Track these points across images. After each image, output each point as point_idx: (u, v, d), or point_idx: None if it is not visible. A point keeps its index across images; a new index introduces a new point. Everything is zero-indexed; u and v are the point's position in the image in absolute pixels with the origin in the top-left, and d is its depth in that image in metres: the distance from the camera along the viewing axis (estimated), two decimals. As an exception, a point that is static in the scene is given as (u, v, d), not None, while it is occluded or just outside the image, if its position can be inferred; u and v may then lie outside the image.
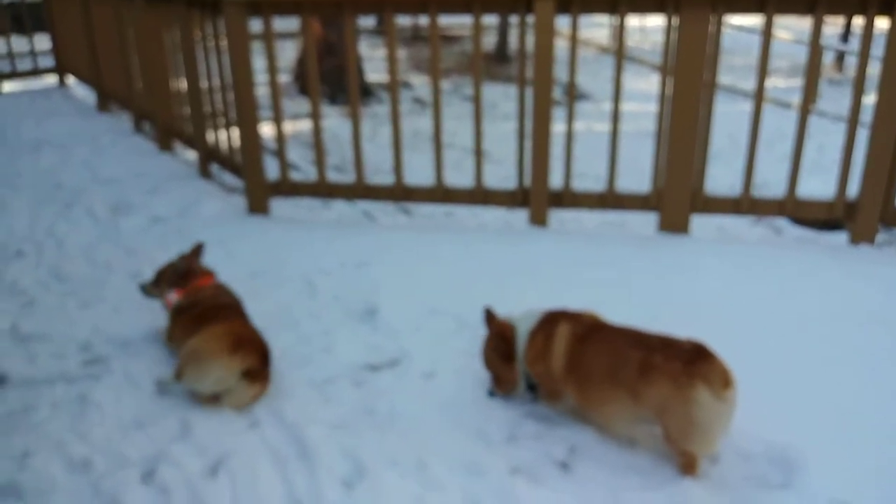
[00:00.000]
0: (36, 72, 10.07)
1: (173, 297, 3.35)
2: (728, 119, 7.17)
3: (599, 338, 2.70)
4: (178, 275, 3.43)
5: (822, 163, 7.59)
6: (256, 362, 2.92)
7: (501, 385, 2.94)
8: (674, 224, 4.46)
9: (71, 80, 9.88)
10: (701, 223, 4.56)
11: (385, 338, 3.44)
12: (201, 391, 2.90)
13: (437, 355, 3.27)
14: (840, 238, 4.53)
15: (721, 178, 6.09)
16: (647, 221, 4.70)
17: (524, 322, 2.87)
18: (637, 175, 5.14)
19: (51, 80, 10.12)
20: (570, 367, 2.70)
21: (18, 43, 10.08)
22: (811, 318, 3.47)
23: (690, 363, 2.42)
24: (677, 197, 4.41)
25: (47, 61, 10.06)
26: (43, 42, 10.16)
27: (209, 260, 4.24)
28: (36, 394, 3.05)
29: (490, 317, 2.95)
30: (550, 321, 2.80)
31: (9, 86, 9.86)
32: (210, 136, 5.79)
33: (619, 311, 2.92)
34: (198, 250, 3.59)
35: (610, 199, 4.59)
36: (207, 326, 3.04)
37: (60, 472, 2.61)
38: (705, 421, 2.41)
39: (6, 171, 6.11)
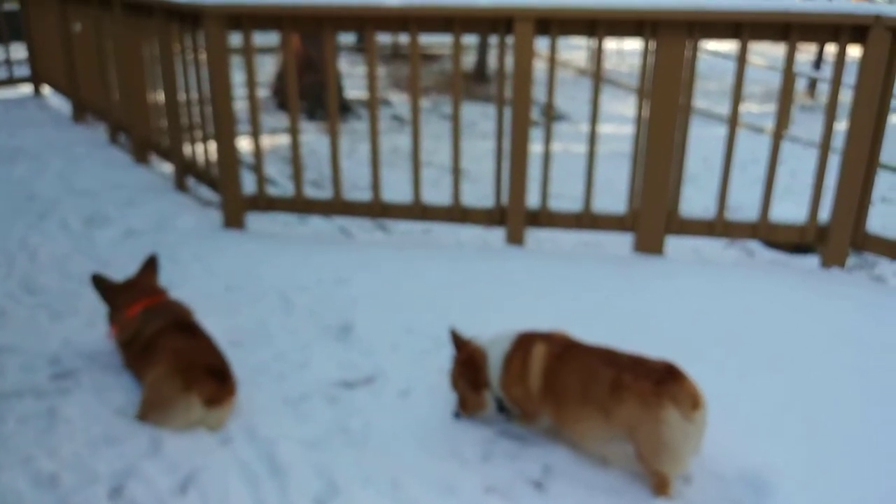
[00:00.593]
0: (11, 81, 9.96)
1: (110, 334, 3.25)
2: (703, 143, 7.25)
3: (573, 356, 2.71)
4: (109, 311, 3.30)
5: (794, 187, 7.70)
6: (213, 387, 2.85)
7: (467, 407, 2.93)
8: (649, 245, 4.50)
9: (47, 90, 9.78)
10: (675, 245, 4.61)
11: (361, 355, 3.43)
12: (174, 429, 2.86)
13: (412, 373, 3.26)
14: (812, 261, 4.59)
15: (695, 200, 6.15)
16: (622, 242, 4.73)
17: (496, 347, 2.85)
18: (613, 196, 5.17)
19: (26, 89, 10.01)
20: (547, 387, 2.70)
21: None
22: (784, 340, 3.51)
23: (660, 383, 2.44)
24: (652, 218, 4.45)
25: (23, 70, 9.95)
26: (19, 51, 10.06)
27: (183, 275, 4.23)
28: (3, 407, 2.99)
29: (458, 340, 2.94)
30: (525, 343, 2.79)
31: (-17, 95, 9.74)
32: (187, 150, 5.75)
33: (594, 331, 2.93)
34: (151, 264, 3.42)
35: (586, 220, 4.62)
36: (151, 365, 2.96)
37: (27, 488, 2.55)
38: (674, 441, 2.43)
39: (-22, 181, 6.02)
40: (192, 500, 2.50)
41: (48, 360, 3.35)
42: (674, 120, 4.25)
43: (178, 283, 4.16)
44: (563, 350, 2.73)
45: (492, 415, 2.94)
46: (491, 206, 4.75)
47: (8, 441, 2.79)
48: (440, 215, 4.85)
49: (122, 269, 4.31)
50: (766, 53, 16.18)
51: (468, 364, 2.88)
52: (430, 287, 4.07)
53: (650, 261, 4.43)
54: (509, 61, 4.40)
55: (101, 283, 3.36)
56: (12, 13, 9.98)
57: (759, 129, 10.80)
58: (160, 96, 5.94)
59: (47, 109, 9.07)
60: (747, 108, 12.54)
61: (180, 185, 5.88)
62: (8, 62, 9.80)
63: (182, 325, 3.14)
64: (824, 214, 4.36)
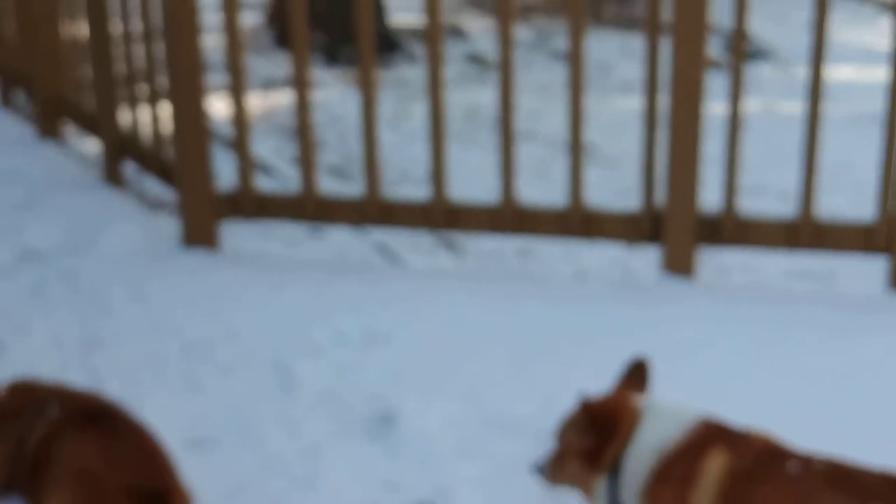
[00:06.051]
0: None
1: None
2: None
3: (775, 476, 2.66)
4: None
5: None
6: None
7: (558, 476, 2.96)
8: (918, 277, 4.40)
9: None
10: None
11: (409, 464, 3.44)
12: None
13: (497, 498, 3.25)
14: None
15: None
16: (869, 272, 4.63)
17: (656, 432, 2.83)
18: (855, 193, 5.08)
19: None
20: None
21: None
22: None
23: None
24: (924, 230, 4.36)
25: None
26: None
27: (113, 326, 4.32)
28: None
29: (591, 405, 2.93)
30: (698, 448, 2.75)
31: None
32: (124, 116, 5.88)
33: (816, 430, 2.87)
34: None
35: (805, 234, 4.54)
36: (46, 490, 2.96)
37: None
38: None
39: None
40: None
41: None
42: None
43: (103, 340, 4.26)
44: (758, 466, 2.68)
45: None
46: (637, 210, 4.71)
47: None
48: (549, 225, 4.83)
49: (13, 317, 4.44)
50: None
51: (598, 420, 2.86)
52: (528, 351, 4.05)
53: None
54: (668, -41, 4.38)
55: None
56: None
57: None
58: (81, 28, 6.09)
59: None
60: None
61: (112, 175, 6.00)
62: None
63: (89, 415, 3.16)
64: None
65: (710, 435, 2.77)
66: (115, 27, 5.69)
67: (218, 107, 5.57)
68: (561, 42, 11.80)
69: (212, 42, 5.07)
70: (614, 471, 2.83)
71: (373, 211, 5.01)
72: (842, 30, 9.75)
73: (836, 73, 5.12)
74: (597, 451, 2.85)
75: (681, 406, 2.89)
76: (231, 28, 4.94)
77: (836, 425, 3.09)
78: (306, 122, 5.02)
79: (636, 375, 2.99)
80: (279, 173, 6.64)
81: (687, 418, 2.82)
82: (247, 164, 5.14)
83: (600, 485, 2.86)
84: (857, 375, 3.83)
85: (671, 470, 2.75)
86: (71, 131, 6.82)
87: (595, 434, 2.86)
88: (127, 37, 5.64)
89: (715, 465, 2.70)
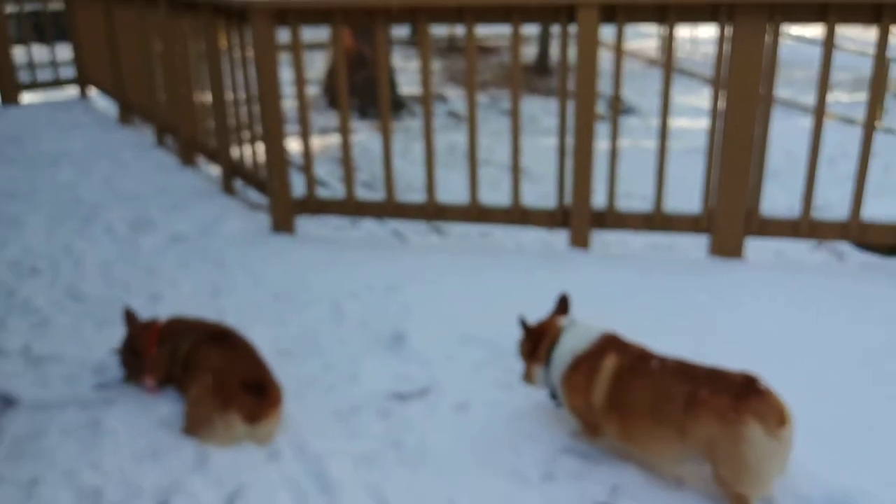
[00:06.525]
0: (57, 83, 10.27)
1: (150, 383, 3.24)
2: (786, 136, 7.09)
3: (644, 370, 2.67)
4: (131, 365, 3.31)
5: (888, 184, 7.47)
6: (252, 402, 2.88)
7: (527, 369, 3.05)
8: (726, 248, 4.40)
9: (93, 91, 10.08)
10: (756, 247, 4.50)
11: (414, 366, 3.44)
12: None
13: (469, 386, 3.25)
14: (910, 265, 4.44)
15: (778, 198, 6.01)
16: (697, 245, 4.65)
17: (573, 339, 2.87)
18: (687, 195, 5.09)
19: (72, 91, 10.33)
20: (612, 402, 2.68)
21: (39, 52, 10.30)
22: (877, 352, 3.39)
23: (740, 397, 2.40)
24: (730, 218, 4.36)
25: (68, 72, 10.26)
26: (64, 52, 10.38)
27: (229, 281, 4.33)
28: (46, 418, 3.09)
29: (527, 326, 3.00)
30: (599, 352, 2.79)
31: (29, 97, 10.09)
32: (234, 151, 5.86)
33: (665, 342, 2.89)
34: (128, 316, 3.38)
35: (657, 221, 4.56)
36: (191, 382, 3.03)
37: (70, 502, 2.63)
38: (757, 461, 2.37)
39: (23, 186, 6.24)
40: (238, 518, 2.54)
41: (92, 369, 3.44)
42: (754, 111, 4.16)
43: (224, 291, 4.25)
44: (634, 363, 2.70)
45: (539, 387, 3.00)
46: (553, 207, 4.71)
47: (51, 454, 2.87)
48: (499, 217, 4.84)
49: (167, 276, 4.45)
50: (857, 37, 15.73)
51: (534, 334, 2.95)
52: (488, 294, 4.06)
53: (728, 265, 4.34)
54: (572, 52, 4.36)
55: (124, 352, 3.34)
56: (58, 13, 10.31)
57: (849, 120, 10.51)
58: (207, 96, 6.07)
59: (93, 112, 9.36)
60: (836, 97, 12.21)
61: (227, 188, 5.99)
62: (53, 64, 10.11)
63: (217, 336, 3.20)
64: (923, 213, 4.21)
65: (608, 343, 2.82)
66: (228, 95, 5.67)
67: (293, 145, 5.56)
68: (505, 104, 11.78)
69: (289, 104, 5.05)
70: (547, 364, 2.88)
71: (390, 209, 5.02)
72: (680, 95, 9.76)
73: (677, 122, 5.12)
74: (532, 351, 2.94)
75: (591, 324, 2.93)
76: (300, 96, 4.93)
77: (675, 337, 3.11)
78: (348, 154, 5.01)
79: (562, 304, 3.05)
80: (331, 186, 6.63)
81: (594, 332, 2.87)
82: (311, 180, 5.14)
83: (539, 373, 2.93)
84: (687, 308, 3.87)
85: (581, 365, 2.80)
86: (201, 161, 6.80)
87: (530, 341, 2.94)
88: (236, 101, 5.63)
89: (609, 363, 2.74)
